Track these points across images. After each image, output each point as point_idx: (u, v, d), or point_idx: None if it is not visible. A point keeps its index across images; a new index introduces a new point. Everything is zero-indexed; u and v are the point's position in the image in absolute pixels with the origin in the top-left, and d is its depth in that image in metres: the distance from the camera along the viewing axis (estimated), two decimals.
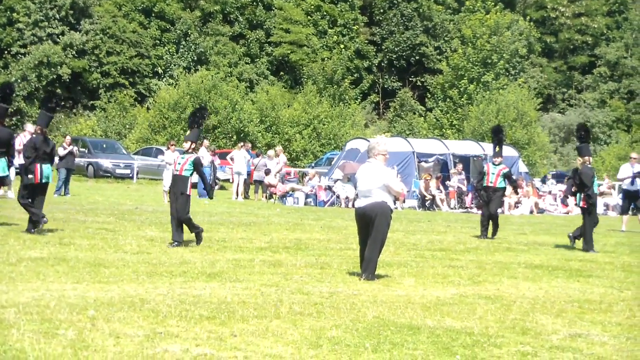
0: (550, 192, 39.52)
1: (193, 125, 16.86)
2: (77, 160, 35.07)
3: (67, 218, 20.98)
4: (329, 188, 35.10)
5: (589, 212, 19.56)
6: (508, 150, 41.11)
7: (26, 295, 10.06)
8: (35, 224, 16.83)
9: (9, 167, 18.99)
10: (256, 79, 66.42)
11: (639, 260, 17.49)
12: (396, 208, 27.17)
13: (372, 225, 12.56)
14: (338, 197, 34.37)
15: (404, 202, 33.93)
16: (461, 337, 8.76)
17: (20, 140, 26.69)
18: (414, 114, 68.56)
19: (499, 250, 18.35)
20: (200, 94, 53.05)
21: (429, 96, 68.16)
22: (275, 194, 35.36)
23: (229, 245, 16.68)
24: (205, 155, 35.04)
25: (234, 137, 52.85)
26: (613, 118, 70.12)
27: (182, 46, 64.77)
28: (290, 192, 35.06)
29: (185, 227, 16.28)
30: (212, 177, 35.55)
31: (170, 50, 64.47)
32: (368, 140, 30.55)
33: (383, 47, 72.22)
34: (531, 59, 72.59)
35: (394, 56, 71.97)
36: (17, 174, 26.19)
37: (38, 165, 16.92)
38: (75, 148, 33.70)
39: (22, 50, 58.22)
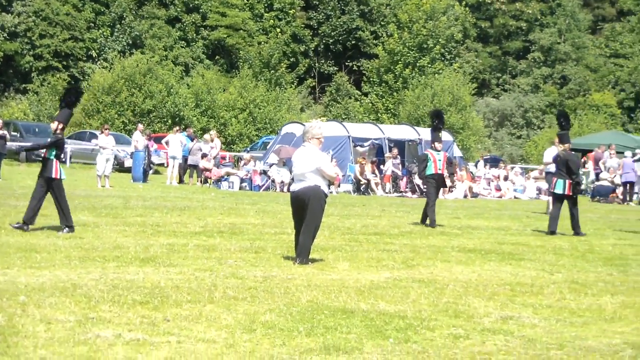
0: (484, 177, 39.86)
1: (64, 105, 16.13)
2: (8, 144, 34.57)
3: None
4: (264, 172, 35.05)
5: (573, 199, 19.92)
6: (443, 135, 41.45)
7: None
8: None
9: None
10: (192, 63, 66.00)
11: (570, 243, 17.71)
12: (331, 192, 27.22)
13: (306, 209, 12.57)
14: (273, 181, 34.32)
15: (338, 186, 34.00)
16: (394, 321, 8.80)
17: None
18: (350, 98, 68.64)
19: (432, 234, 18.46)
20: (135, 78, 52.63)
21: (365, 80, 68.29)
22: (210, 178, 35.24)
23: (163, 230, 16.59)
24: (139, 139, 34.84)
25: (169, 121, 52.56)
26: (546, 103, 70.86)
27: (117, 29, 64.07)
28: (225, 177, 34.96)
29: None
30: (147, 161, 35.35)
31: (104, 33, 63.75)
32: (304, 125, 30.58)
33: (319, 31, 72.19)
34: (466, 44, 73.06)
35: (331, 40, 71.99)
36: None
37: None
38: (7, 132, 33.23)
39: None
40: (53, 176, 15.48)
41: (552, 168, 26.82)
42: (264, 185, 34.46)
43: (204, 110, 56.45)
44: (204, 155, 35.38)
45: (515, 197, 37.86)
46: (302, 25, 71.86)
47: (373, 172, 36.11)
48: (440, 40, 64.72)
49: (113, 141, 31.75)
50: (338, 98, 68.69)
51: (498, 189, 38.34)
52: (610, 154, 39.35)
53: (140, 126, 36.74)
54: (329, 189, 13.82)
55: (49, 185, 15.54)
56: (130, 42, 63.78)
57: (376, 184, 35.82)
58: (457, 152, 41.21)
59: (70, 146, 45.27)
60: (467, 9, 71.24)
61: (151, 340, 7.52)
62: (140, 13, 66.28)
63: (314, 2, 72.70)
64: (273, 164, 35.05)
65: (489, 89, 75.63)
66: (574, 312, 9.85)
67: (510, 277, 12.34)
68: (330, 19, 71.70)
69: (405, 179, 36.80)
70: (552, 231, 19.60)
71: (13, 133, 43.12)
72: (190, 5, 68.13)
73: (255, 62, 62.61)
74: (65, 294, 9.35)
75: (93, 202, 22.32)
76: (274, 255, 13.56)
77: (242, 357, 7.15)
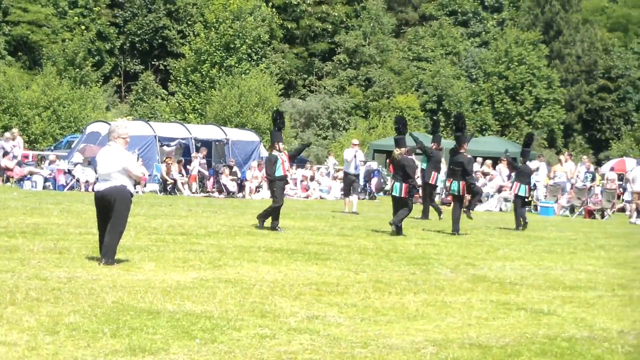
0: (291, 177, 40.17)
1: None
2: None
3: None
4: (69, 172, 34.33)
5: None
6: (250, 135, 41.67)
7: None
8: None
9: None
10: None
11: (374, 243, 18.10)
12: (137, 192, 26.90)
13: (111, 210, 12.41)
14: (78, 180, 33.65)
15: (144, 186, 33.66)
16: (201, 321, 8.80)
17: None
18: (156, 97, 67.94)
19: (239, 234, 18.52)
20: None
21: (172, 80, 67.77)
22: (12, 177, 34.25)
23: None
24: None
25: None
26: (352, 104, 71.98)
27: None
28: (28, 176, 34.04)
29: None
30: None
31: None
32: (109, 124, 30.07)
33: (125, 29, 71.17)
34: (273, 45, 73.44)
35: (137, 39, 71.09)
36: None
37: None
38: None
39: None
40: None
41: (352, 168, 28.12)
42: (68, 184, 33.75)
43: (5, 107, 54.75)
44: (5, 154, 34.33)
45: (321, 197, 38.35)
46: (108, 23, 70.65)
47: (180, 172, 35.89)
48: (247, 40, 64.86)
49: None
50: (144, 97, 67.87)
51: (306, 188, 38.76)
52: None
53: None
54: (135, 188, 13.67)
55: None
56: None
57: (183, 184, 35.62)
58: (264, 153, 41.43)
59: None
60: (273, 10, 71.63)
61: None
62: None
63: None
64: (78, 163, 34.36)
65: (295, 89, 76.23)
66: (378, 310, 10.07)
67: (316, 277, 12.50)
68: (137, 17, 70.80)
69: (212, 179, 36.74)
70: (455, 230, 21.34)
71: None
72: None
73: (60, 60, 61.11)
74: None
75: None
76: (79, 255, 13.32)
77: None
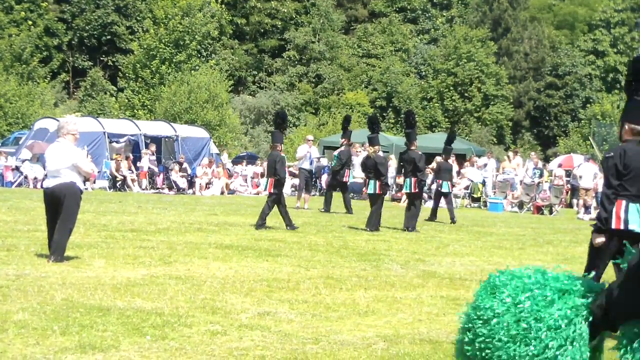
0: (240, 173, 40.16)
1: None
2: None
3: None
4: (17, 168, 34.04)
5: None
6: (200, 132, 41.54)
7: None
8: None
9: None
10: None
11: (325, 239, 18.13)
12: (86, 189, 26.68)
13: (61, 206, 12.32)
14: (26, 177, 33.39)
15: (94, 182, 33.45)
16: (151, 318, 8.76)
17: None
18: (105, 93, 67.55)
19: (189, 230, 18.46)
20: None
21: (121, 76, 67.38)
22: None
23: None
24: None
25: None
26: (302, 101, 72.03)
27: None
28: None
29: None
30: None
31: None
32: (58, 120, 29.82)
33: (73, 25, 70.62)
34: (223, 41, 73.26)
35: (85, 35, 70.59)
36: None
37: None
38: None
39: None
40: None
41: (305, 164, 28.38)
42: (16, 181, 33.46)
43: None
44: None
45: None
46: (55, 19, 70.06)
47: (129, 169, 35.71)
48: (196, 36, 64.67)
49: None
50: (93, 93, 67.41)
51: (257, 185, 38.74)
52: (359, 151, 40.49)
53: None
54: (85, 185, 13.58)
55: None
56: None
57: (132, 181, 35.45)
58: (214, 149, 41.36)
59: None
60: (223, 6, 71.44)
61: None
62: None
63: None
64: (26, 159, 34.08)
65: (245, 86, 76.09)
66: (329, 306, 10.09)
67: (267, 273, 12.50)
68: (85, 13, 70.27)
69: (162, 176, 36.60)
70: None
71: None
72: None
73: (6, 56, 60.51)
74: None
75: None
76: (27, 253, 13.20)
77: None
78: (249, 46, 77.31)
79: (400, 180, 23.22)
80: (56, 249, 12.35)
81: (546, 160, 57.59)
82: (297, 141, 60.27)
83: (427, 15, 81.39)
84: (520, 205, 35.54)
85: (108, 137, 36.19)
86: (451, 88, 71.90)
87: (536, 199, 35.14)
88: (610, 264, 8.86)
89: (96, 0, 70.30)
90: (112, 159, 35.25)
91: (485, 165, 38.97)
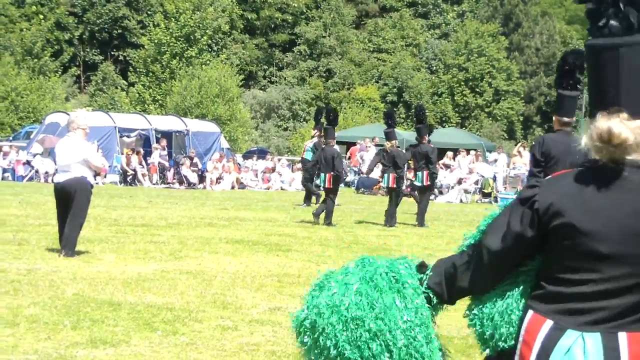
0: (251, 168, 40.14)
1: None
2: None
3: None
4: (28, 162, 34.09)
5: (397, 192, 21.57)
6: (210, 126, 41.54)
7: None
8: None
9: None
10: None
11: (336, 234, 18.12)
12: (97, 183, 26.71)
13: (71, 201, 12.33)
14: (37, 171, 33.43)
15: (105, 177, 33.47)
16: (162, 313, 8.77)
17: None
18: (116, 88, 67.58)
19: (200, 225, 18.47)
20: None
21: (132, 70, 67.40)
22: None
23: None
24: None
25: None
26: (312, 96, 71.99)
27: None
28: None
29: None
30: None
31: None
32: (68, 114, 29.88)
33: (84, 18, 70.67)
34: (233, 36, 73.25)
35: (96, 29, 70.63)
36: None
37: None
38: None
39: None
40: None
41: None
42: (27, 175, 33.51)
43: None
44: None
45: (282, 189, 38.33)
46: (66, 13, 70.09)
47: (140, 163, 35.73)
48: (207, 31, 64.66)
49: None
50: (104, 88, 67.45)
51: (268, 179, 38.74)
52: (368, 146, 40.47)
53: None
54: (95, 179, 13.60)
55: None
56: None
57: (143, 175, 35.47)
58: (224, 144, 41.36)
59: None
60: (234, 0, 71.43)
61: None
62: None
63: None
64: (37, 154, 34.12)
65: (255, 80, 76.06)
66: None
67: (278, 268, 12.50)
68: (95, 7, 70.29)
69: (172, 170, 36.61)
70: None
71: None
72: None
73: (17, 50, 60.61)
74: None
75: None
76: (38, 247, 13.23)
77: (5, 352, 6.95)
78: (260, 41, 77.25)
79: (411, 175, 23.27)
80: (67, 243, 12.36)
81: None
82: (307, 136, 60.30)
83: (438, 10, 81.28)
84: None
85: (119, 132, 36.21)
86: (462, 83, 71.74)
87: None
88: None
89: None
90: (122, 154, 35.27)
91: (495, 160, 38.86)
